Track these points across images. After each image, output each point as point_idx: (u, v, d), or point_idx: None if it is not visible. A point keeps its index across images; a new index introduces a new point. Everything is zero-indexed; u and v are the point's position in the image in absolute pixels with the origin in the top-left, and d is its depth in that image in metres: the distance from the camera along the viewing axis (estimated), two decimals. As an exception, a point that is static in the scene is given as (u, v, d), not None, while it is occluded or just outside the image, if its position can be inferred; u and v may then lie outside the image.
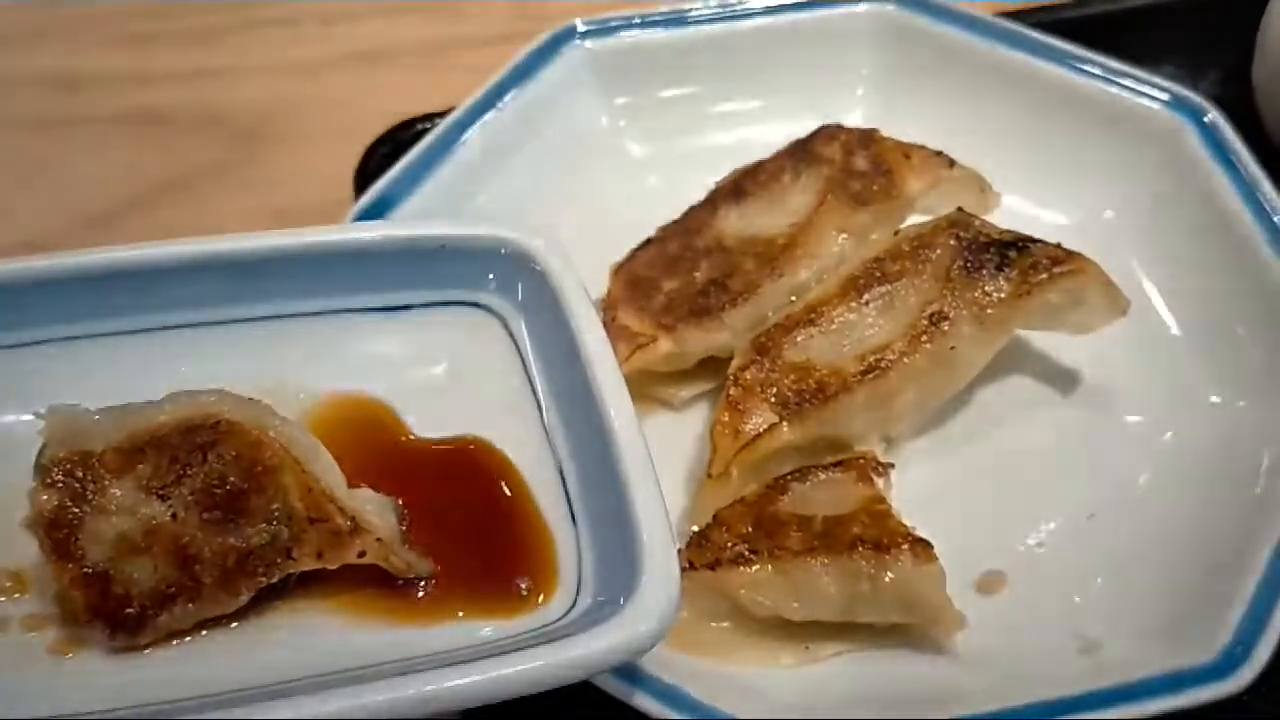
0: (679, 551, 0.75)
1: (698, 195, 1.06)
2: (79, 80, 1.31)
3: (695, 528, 0.89)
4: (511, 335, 0.89)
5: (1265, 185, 1.02)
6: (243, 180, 1.23)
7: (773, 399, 0.92)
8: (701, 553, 0.85)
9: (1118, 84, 1.10)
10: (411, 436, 0.86)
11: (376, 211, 0.99)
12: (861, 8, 1.16)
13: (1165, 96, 1.08)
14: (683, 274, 1.01)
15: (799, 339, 0.94)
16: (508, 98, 1.09)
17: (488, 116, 1.08)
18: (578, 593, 0.77)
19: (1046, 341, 1.02)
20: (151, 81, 1.31)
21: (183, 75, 1.32)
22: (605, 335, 0.83)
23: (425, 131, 1.07)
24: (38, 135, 1.27)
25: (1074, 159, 1.11)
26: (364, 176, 1.10)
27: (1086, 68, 1.11)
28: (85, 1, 1.37)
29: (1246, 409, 0.96)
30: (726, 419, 0.92)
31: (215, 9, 1.37)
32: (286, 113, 1.28)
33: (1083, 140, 1.11)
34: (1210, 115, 1.06)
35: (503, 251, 0.88)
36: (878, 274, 0.96)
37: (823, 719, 0.80)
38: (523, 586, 0.78)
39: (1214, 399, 0.98)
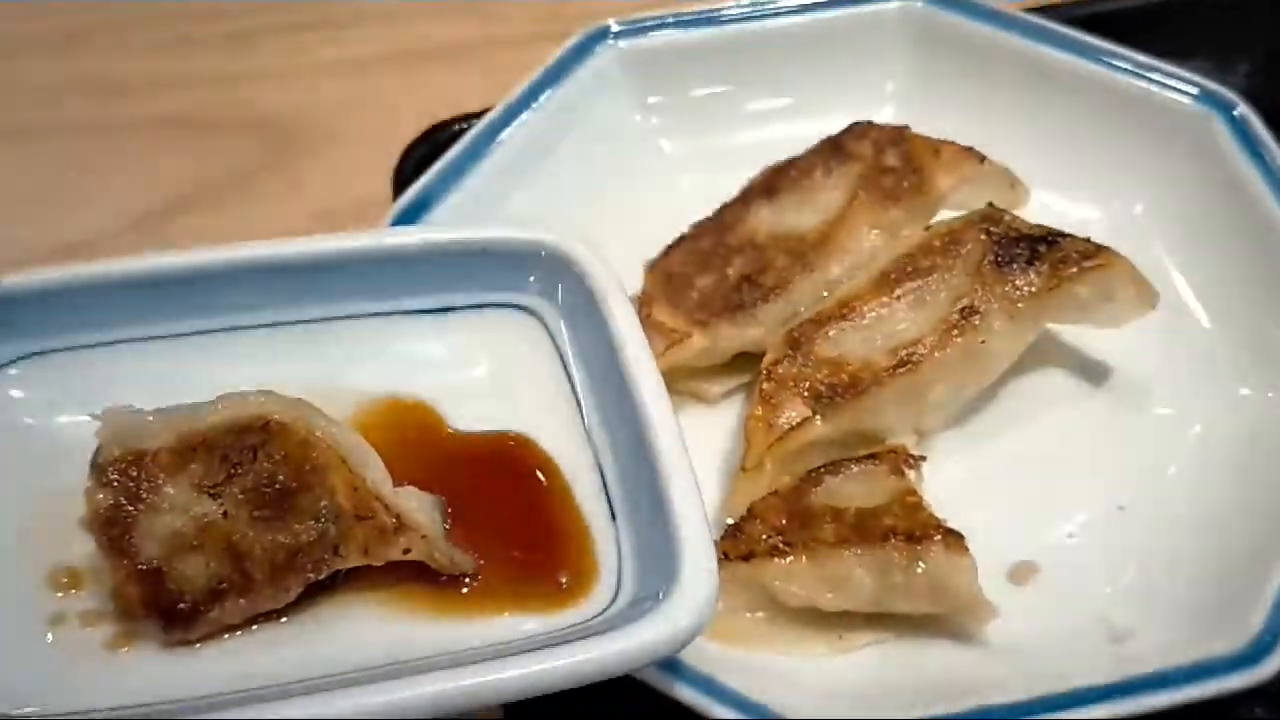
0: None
1: (730, 192, 1.07)
2: (118, 84, 1.32)
3: (730, 520, 0.90)
4: (552, 336, 0.90)
5: (1294, 179, 1.02)
6: (282, 182, 1.24)
7: (805, 393, 0.93)
8: (736, 545, 0.87)
9: (1147, 78, 1.10)
10: (453, 431, 0.86)
11: (414, 212, 1.00)
12: (892, 5, 1.17)
13: (1195, 90, 1.08)
14: (716, 270, 1.02)
15: (831, 333, 0.95)
16: (542, 98, 1.10)
17: (523, 117, 1.08)
18: (618, 588, 0.78)
19: (1076, 335, 1.02)
20: (190, 85, 1.32)
21: (221, 79, 1.33)
22: (644, 336, 0.83)
23: (461, 133, 1.08)
24: (78, 139, 1.28)
25: (1103, 153, 1.11)
26: (402, 178, 1.12)
27: (1115, 62, 1.11)
28: (123, 6, 1.38)
29: (1275, 400, 0.97)
30: (760, 413, 0.93)
31: (253, 13, 1.38)
32: (324, 115, 1.29)
33: (1112, 135, 1.11)
34: (1240, 109, 1.06)
35: (543, 254, 0.89)
36: (909, 269, 0.97)
37: (857, 717, 0.81)
38: (564, 582, 0.78)
39: (1244, 391, 0.99)
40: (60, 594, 0.77)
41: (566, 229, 0.90)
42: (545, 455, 0.85)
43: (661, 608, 0.70)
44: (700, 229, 1.06)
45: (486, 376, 0.89)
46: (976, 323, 0.94)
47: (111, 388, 0.82)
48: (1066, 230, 0.98)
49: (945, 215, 1.02)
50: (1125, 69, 1.11)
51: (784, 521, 0.88)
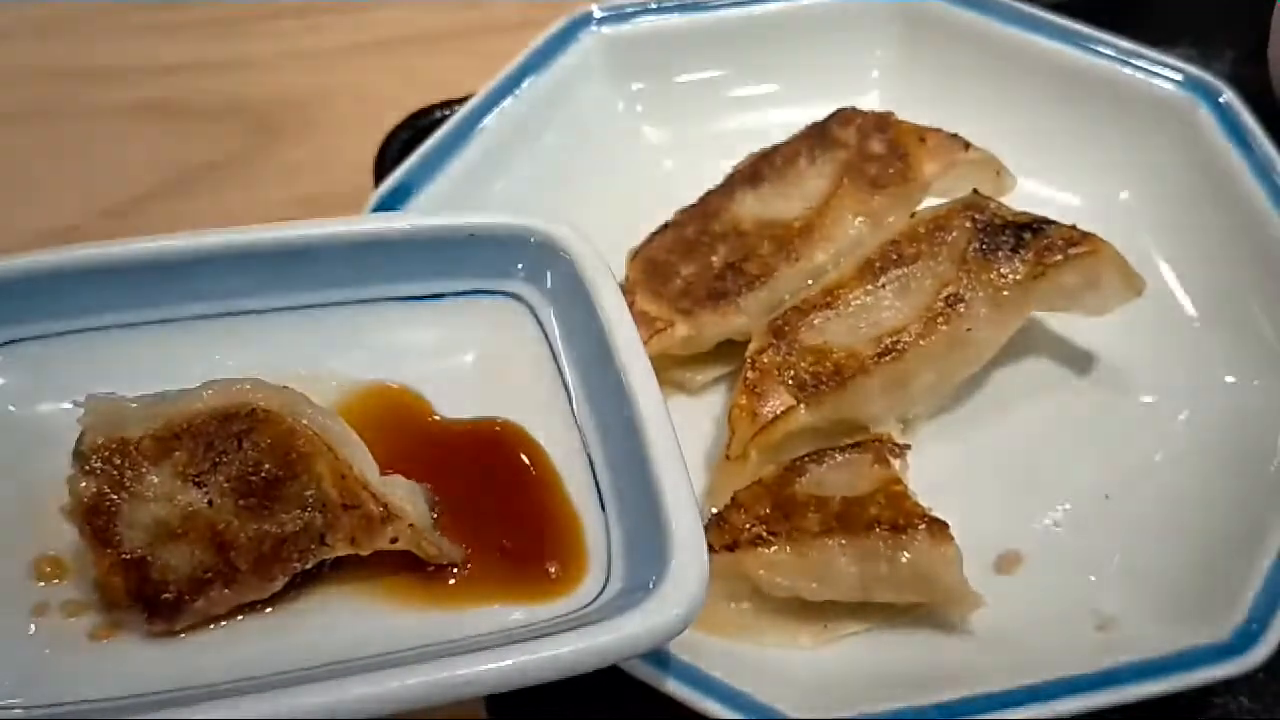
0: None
1: (714, 179, 1.07)
2: (99, 70, 1.31)
3: (714, 509, 0.90)
4: (540, 323, 0.89)
5: (1280, 165, 1.02)
6: (262, 169, 1.23)
7: (790, 382, 0.93)
8: (720, 534, 0.86)
9: (1132, 65, 1.10)
10: (440, 418, 0.86)
11: (396, 199, 0.99)
12: (876, -9, 1.17)
13: (1180, 77, 1.09)
14: (700, 258, 1.02)
15: (816, 322, 0.95)
16: (525, 84, 1.09)
17: (505, 103, 1.08)
18: (607, 578, 0.77)
19: (1062, 323, 1.03)
20: (170, 72, 1.31)
21: (201, 65, 1.32)
22: (633, 323, 0.83)
23: (443, 119, 1.07)
24: (58, 126, 1.27)
25: (1089, 141, 1.11)
26: (383, 164, 1.11)
27: (1101, 49, 1.11)
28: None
29: (1261, 388, 0.97)
30: (744, 402, 0.93)
31: (233, -1, 1.38)
32: (305, 102, 1.28)
33: (1097, 122, 1.11)
34: (1225, 96, 1.07)
35: (531, 240, 0.88)
36: (894, 257, 0.97)
37: (842, 708, 0.80)
38: (552, 571, 0.78)
39: (1229, 378, 0.99)
40: (43, 583, 0.77)
41: (549, 217, 0.89)
42: (534, 443, 0.84)
43: (651, 598, 0.69)
44: (684, 216, 1.05)
45: (474, 364, 0.89)
46: (961, 310, 0.94)
47: (94, 375, 0.81)
48: (1052, 217, 0.98)
49: (930, 203, 1.02)
50: (1111, 56, 1.11)
51: (768, 511, 0.87)
